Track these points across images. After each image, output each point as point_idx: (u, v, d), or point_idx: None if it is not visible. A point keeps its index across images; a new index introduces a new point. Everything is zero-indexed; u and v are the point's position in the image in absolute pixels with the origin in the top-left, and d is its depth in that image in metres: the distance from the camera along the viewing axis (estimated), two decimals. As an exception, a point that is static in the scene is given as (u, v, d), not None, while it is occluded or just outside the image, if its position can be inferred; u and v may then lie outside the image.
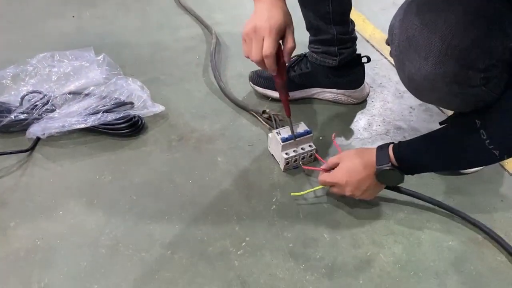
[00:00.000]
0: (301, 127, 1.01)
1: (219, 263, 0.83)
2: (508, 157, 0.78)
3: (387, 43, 0.84)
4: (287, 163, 1.00)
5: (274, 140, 1.01)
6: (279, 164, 1.03)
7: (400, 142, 0.86)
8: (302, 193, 0.96)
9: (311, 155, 1.02)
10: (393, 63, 0.83)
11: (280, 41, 0.90)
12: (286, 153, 0.99)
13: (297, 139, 1.00)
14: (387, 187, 0.92)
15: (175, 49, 1.45)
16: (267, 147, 1.07)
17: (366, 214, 0.92)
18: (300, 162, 1.01)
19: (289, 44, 0.90)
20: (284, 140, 0.98)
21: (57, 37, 1.51)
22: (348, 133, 1.13)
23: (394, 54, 0.80)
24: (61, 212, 0.93)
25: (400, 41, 0.76)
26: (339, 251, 0.85)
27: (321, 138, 1.10)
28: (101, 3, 1.70)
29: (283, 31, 0.88)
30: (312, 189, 0.96)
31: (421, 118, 1.16)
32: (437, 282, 0.80)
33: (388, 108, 1.20)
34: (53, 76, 1.18)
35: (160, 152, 1.07)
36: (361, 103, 1.22)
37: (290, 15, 0.90)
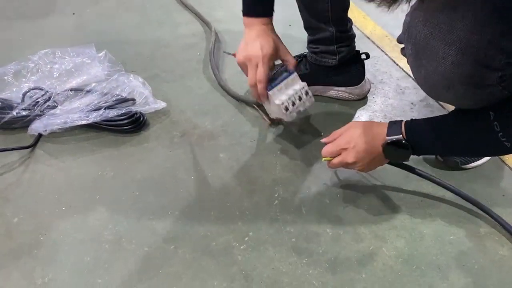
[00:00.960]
0: (282, 73, 0.99)
1: (222, 258, 0.84)
2: None
3: (399, 41, 0.84)
4: (286, 108, 0.96)
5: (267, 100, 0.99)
6: (284, 119, 1.00)
7: (412, 119, 0.84)
8: (329, 158, 0.90)
9: (306, 93, 0.99)
10: (407, 61, 0.83)
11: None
12: (279, 99, 0.96)
13: (282, 82, 0.97)
14: (405, 168, 0.92)
15: (175, 46, 1.45)
16: (269, 142, 1.07)
17: (369, 209, 0.93)
18: (305, 102, 0.99)
19: (291, 60, 1.00)
20: (270, 87, 0.96)
21: (57, 34, 1.50)
22: (349, 129, 1.13)
23: (410, 53, 0.79)
24: (63, 208, 0.93)
25: (416, 40, 0.75)
26: (342, 246, 0.86)
27: (322, 134, 1.10)
28: (101, 0, 1.70)
29: (275, 56, 0.97)
30: (328, 158, 0.90)
31: (422, 113, 1.16)
32: (439, 276, 0.81)
33: (389, 104, 1.20)
34: (54, 72, 1.18)
35: (162, 148, 1.07)
36: (362, 100, 1.22)
37: (279, 39, 0.99)
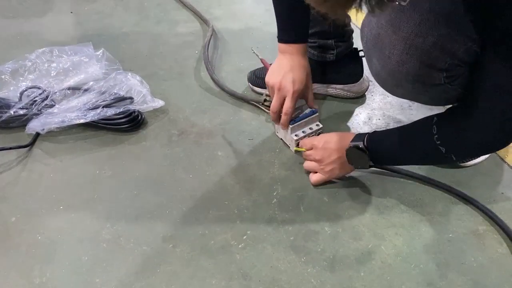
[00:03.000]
0: (306, 108, 1.04)
1: (220, 256, 0.83)
2: (455, 157, 0.81)
3: None
4: (297, 144, 1.02)
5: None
6: (289, 147, 1.05)
7: (375, 131, 0.90)
8: (302, 149, 0.98)
9: (319, 134, 1.04)
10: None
11: None
12: (296, 135, 1.02)
13: (304, 119, 1.03)
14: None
15: (174, 44, 1.45)
16: (267, 141, 1.07)
17: (367, 207, 0.92)
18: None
19: (311, 98, 1.03)
20: (292, 122, 1.01)
21: (55, 33, 1.50)
22: (348, 127, 1.13)
23: (364, 51, 0.84)
24: (61, 207, 0.93)
25: (368, 39, 0.79)
26: (340, 244, 0.86)
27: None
28: (99, -1, 1.70)
29: (303, 92, 1.00)
30: (303, 149, 0.98)
31: (421, 111, 1.16)
32: (438, 274, 0.81)
33: (388, 102, 1.20)
34: (52, 71, 1.18)
35: (160, 146, 1.07)
36: (361, 97, 1.22)
37: (310, 75, 1.01)
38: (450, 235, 0.87)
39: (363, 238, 0.87)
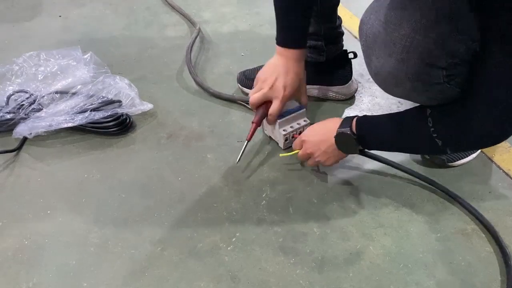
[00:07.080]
0: (293, 104, 1.04)
1: (209, 259, 0.83)
2: (451, 150, 0.81)
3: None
4: (286, 139, 1.03)
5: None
6: (277, 144, 1.06)
7: (365, 115, 0.89)
8: (288, 153, 0.99)
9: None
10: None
11: None
12: (284, 130, 1.02)
13: (292, 115, 1.03)
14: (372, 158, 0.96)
15: (163, 47, 1.45)
16: (256, 143, 1.07)
17: (356, 208, 0.92)
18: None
19: (304, 101, 1.04)
20: (280, 117, 1.01)
21: (43, 37, 1.50)
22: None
23: (362, 49, 0.83)
24: (49, 212, 0.92)
25: (367, 36, 0.79)
26: (329, 245, 0.86)
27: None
28: (88, 2, 1.70)
29: (293, 96, 1.00)
30: (293, 152, 0.98)
31: (409, 112, 1.16)
32: (426, 273, 0.81)
33: (377, 103, 1.20)
34: (39, 75, 1.17)
35: (149, 150, 1.07)
36: (350, 99, 1.22)
37: (305, 79, 1.01)
38: (438, 234, 0.87)
39: (352, 238, 0.87)
